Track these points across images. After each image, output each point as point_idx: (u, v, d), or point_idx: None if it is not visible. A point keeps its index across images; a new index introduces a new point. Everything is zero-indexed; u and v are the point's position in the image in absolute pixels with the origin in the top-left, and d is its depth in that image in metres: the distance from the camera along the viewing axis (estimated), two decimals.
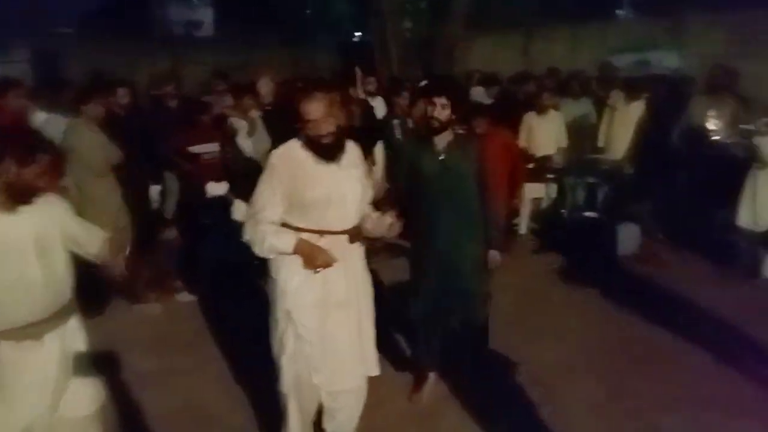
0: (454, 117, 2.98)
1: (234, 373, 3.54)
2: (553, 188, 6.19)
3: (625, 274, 5.20)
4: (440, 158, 3.00)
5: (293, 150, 2.39)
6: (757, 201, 4.81)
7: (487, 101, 6.01)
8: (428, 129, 3.01)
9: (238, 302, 4.36)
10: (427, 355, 3.26)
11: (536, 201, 6.12)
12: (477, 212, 3.05)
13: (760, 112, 5.09)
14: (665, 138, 6.04)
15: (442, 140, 3.01)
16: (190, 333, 4.08)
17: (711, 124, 5.67)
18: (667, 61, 7.48)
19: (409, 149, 3.29)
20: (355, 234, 2.46)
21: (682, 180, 6.03)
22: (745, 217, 4.86)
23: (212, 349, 3.85)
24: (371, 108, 5.82)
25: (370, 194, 2.62)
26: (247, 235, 2.38)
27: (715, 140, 5.51)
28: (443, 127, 2.97)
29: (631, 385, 3.43)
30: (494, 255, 3.14)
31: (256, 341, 2.81)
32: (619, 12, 7.78)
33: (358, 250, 2.54)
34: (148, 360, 3.68)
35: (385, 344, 3.14)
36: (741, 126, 5.26)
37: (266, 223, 2.34)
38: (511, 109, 6.12)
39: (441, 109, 2.93)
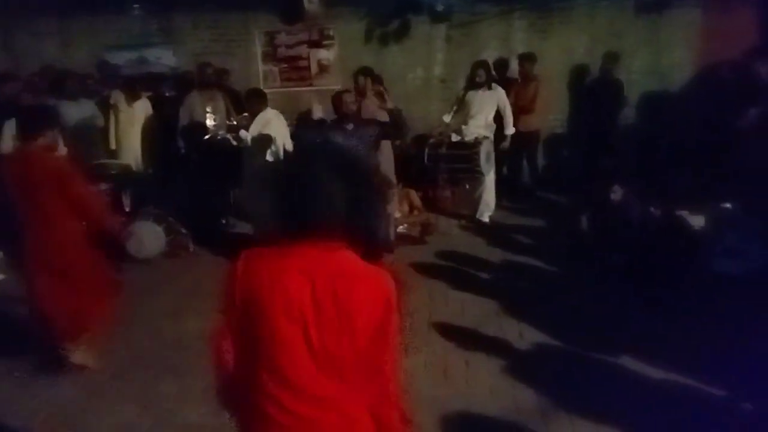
0: None
1: None
2: None
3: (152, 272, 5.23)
4: None
5: None
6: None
7: None
8: None
9: None
10: None
11: None
12: None
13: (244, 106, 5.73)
14: (173, 135, 6.24)
15: None
16: None
17: (209, 119, 6.09)
18: (164, 58, 7.66)
19: None
20: None
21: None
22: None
23: None
24: None
25: None
26: None
27: (214, 134, 5.95)
28: None
29: (166, 391, 3.45)
30: None
31: None
32: (111, 7, 7.46)
33: None
34: None
35: None
36: (227, 122, 5.81)
37: None
38: None
39: None
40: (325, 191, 1.43)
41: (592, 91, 7.27)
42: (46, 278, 3.58)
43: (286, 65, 7.88)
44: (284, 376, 1.45)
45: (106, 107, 6.42)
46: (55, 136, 3.64)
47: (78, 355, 3.73)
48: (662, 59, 7.61)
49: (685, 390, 3.34)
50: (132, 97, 6.42)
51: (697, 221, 5.03)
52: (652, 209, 5.01)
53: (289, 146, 5.45)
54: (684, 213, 5.08)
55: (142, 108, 6.55)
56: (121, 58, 7.48)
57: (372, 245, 1.54)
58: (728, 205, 5.10)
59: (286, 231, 1.49)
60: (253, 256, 1.52)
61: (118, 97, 6.42)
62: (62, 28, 7.67)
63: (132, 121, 6.47)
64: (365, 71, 5.73)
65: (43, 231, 3.54)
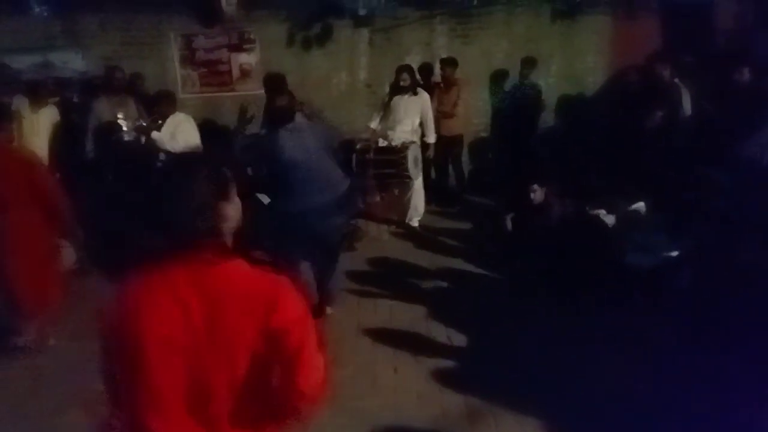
0: None
1: None
2: None
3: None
4: None
5: None
6: None
7: None
8: None
9: None
10: None
11: None
12: None
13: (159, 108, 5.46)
14: (81, 143, 5.87)
15: None
16: None
17: (121, 124, 5.75)
18: (71, 62, 7.19)
19: None
20: None
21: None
22: None
23: None
24: None
25: None
26: None
27: (126, 140, 5.62)
28: None
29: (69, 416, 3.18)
30: None
31: None
32: (8, 7, 6.93)
33: None
34: None
35: None
36: (138, 123, 5.52)
37: None
38: None
39: None
40: (198, 200, 1.33)
41: (513, 96, 7.44)
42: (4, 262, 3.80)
43: (205, 69, 7.60)
44: (152, 427, 1.29)
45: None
46: (11, 130, 4.03)
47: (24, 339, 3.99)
48: (576, 64, 7.91)
49: (609, 382, 3.42)
50: (37, 103, 5.96)
51: (610, 218, 5.24)
52: (569, 208, 5.15)
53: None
54: (598, 211, 5.27)
55: (48, 115, 6.10)
56: (22, 62, 6.94)
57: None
58: (638, 202, 5.35)
59: (171, 243, 1.37)
60: (131, 282, 1.37)
61: (20, 103, 5.93)
62: None
63: (37, 129, 6.01)
64: None
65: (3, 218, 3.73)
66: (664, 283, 4.37)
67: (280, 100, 4.03)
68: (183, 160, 1.45)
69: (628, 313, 4.13)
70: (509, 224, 5.36)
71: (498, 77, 7.77)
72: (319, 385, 1.40)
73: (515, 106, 7.30)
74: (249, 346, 1.32)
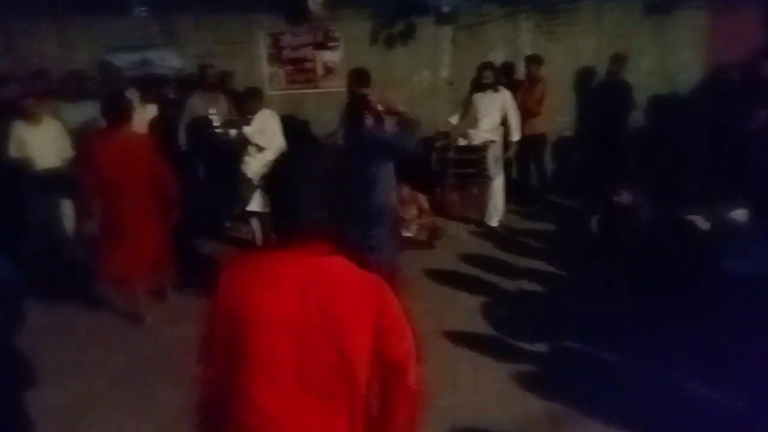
0: None
1: None
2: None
3: None
4: None
5: None
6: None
7: None
8: None
9: None
10: None
11: None
12: None
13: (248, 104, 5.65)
14: (174, 137, 6.18)
15: None
16: None
17: (212, 119, 6.01)
18: (168, 60, 7.60)
19: None
20: None
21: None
22: (257, 205, 5.41)
23: None
24: None
25: None
26: None
27: (219, 133, 5.87)
28: None
29: (163, 396, 3.38)
30: None
31: None
32: (114, 9, 7.41)
33: None
34: None
35: None
36: (228, 118, 5.75)
37: None
38: None
39: None
40: (317, 196, 1.39)
41: (600, 94, 7.18)
42: (118, 242, 4.21)
43: (291, 67, 7.81)
44: (263, 397, 1.36)
45: None
46: (131, 122, 4.59)
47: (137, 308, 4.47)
48: (670, 61, 7.53)
49: (699, 393, 3.25)
50: (145, 98, 6.33)
51: (706, 224, 4.94)
52: (660, 212, 4.92)
53: (283, 146, 5.43)
54: (693, 216, 4.98)
55: (151, 110, 6.47)
56: (123, 60, 7.40)
57: (362, 252, 1.49)
58: (737, 208, 5.00)
59: (278, 234, 1.44)
60: (239, 265, 1.45)
61: (132, 96, 6.28)
62: (62, 29, 7.61)
63: (142, 122, 6.37)
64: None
65: (121, 201, 4.11)
66: (764, 291, 4.08)
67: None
68: (305, 155, 1.50)
69: (723, 321, 3.89)
70: (595, 226, 5.19)
71: (585, 75, 7.52)
72: (421, 382, 1.48)
73: (603, 104, 7.03)
74: (359, 338, 1.38)
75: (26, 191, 5.41)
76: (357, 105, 3.81)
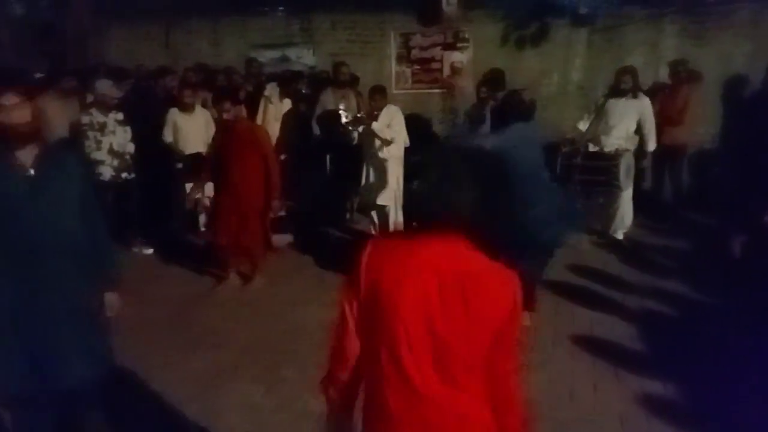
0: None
1: None
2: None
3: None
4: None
5: None
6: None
7: (117, 95, 5.55)
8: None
9: None
10: None
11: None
12: None
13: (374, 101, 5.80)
14: (309, 129, 6.50)
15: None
16: None
17: (342, 114, 6.24)
18: (304, 57, 8.01)
19: None
20: None
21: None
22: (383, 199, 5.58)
23: None
24: None
25: None
26: None
27: (348, 129, 6.09)
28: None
29: (288, 376, 3.59)
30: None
31: None
32: (259, 8, 7.94)
33: None
34: None
35: None
36: (357, 114, 5.94)
37: None
38: (144, 103, 5.92)
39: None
40: (461, 187, 1.40)
41: (752, 105, 6.55)
42: (230, 217, 4.76)
43: (418, 67, 7.92)
44: (402, 370, 1.42)
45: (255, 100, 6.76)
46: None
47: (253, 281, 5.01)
48: None
49: None
50: (285, 93, 6.68)
51: None
52: None
53: (407, 141, 5.68)
54: None
55: (287, 104, 6.84)
56: (265, 57, 7.90)
57: (502, 249, 1.46)
58: None
59: (416, 222, 1.48)
60: (380, 245, 1.52)
61: (272, 90, 6.67)
62: (214, 27, 8.27)
63: (278, 115, 6.74)
64: None
65: (238, 180, 4.68)
66: None
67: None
68: (462, 150, 1.54)
69: None
70: (737, 248, 4.78)
71: (735, 83, 6.92)
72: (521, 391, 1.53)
73: (754, 117, 6.41)
74: (489, 330, 1.40)
75: (175, 172, 5.97)
76: (508, 104, 3.88)
